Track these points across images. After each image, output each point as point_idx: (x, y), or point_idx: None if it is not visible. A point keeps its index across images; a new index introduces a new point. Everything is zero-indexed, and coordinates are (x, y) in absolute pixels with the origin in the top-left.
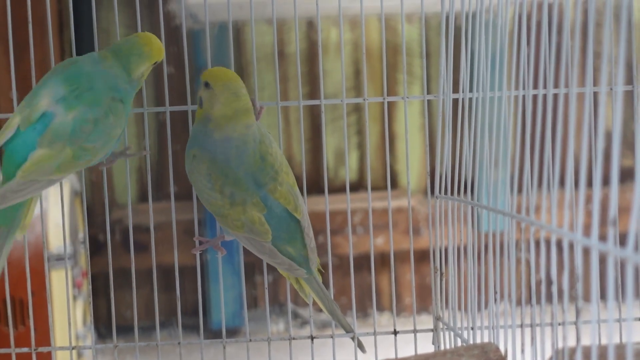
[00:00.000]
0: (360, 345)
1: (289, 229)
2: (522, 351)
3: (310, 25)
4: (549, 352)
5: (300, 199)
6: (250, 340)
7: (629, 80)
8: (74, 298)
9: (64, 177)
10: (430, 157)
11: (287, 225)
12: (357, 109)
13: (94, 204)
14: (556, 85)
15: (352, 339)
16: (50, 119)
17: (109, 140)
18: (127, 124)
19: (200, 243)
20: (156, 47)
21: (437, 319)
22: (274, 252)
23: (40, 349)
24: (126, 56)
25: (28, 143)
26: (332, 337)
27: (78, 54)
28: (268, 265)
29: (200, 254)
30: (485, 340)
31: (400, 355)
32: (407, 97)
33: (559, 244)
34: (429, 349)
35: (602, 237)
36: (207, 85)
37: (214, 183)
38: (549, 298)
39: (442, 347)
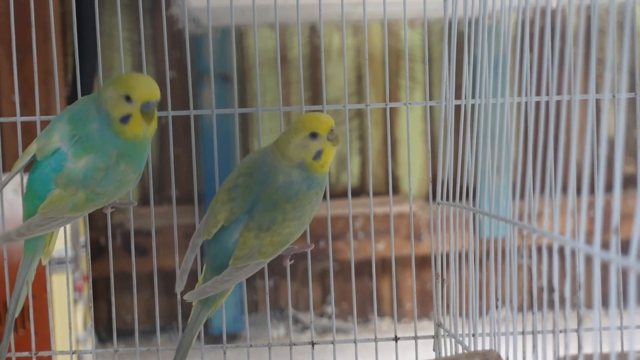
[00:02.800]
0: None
1: (220, 262)
2: (524, 359)
3: (313, 31)
4: None
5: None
6: (251, 345)
7: (632, 87)
8: (75, 302)
9: (82, 215)
10: (432, 163)
11: (221, 259)
12: (359, 114)
13: None
14: (559, 92)
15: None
16: (63, 158)
17: (122, 185)
18: (144, 164)
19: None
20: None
21: (438, 325)
22: (194, 248)
23: (41, 353)
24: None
25: (45, 178)
26: (332, 342)
27: (80, 57)
28: (269, 270)
29: (201, 258)
30: (487, 347)
31: None
32: (410, 103)
33: (561, 251)
34: (430, 355)
35: (605, 244)
36: (314, 135)
37: (236, 179)
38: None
39: (443, 354)
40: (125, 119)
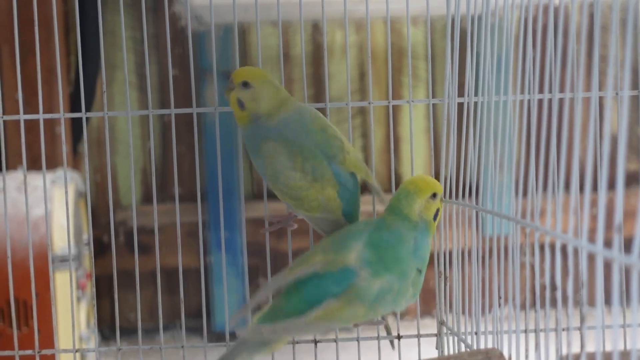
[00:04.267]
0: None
1: (356, 203)
2: (526, 357)
3: (316, 28)
4: (553, 358)
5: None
6: None
7: (635, 84)
8: (78, 300)
9: (340, 326)
10: (435, 161)
11: (354, 200)
12: (362, 112)
13: (99, 206)
14: (562, 90)
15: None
16: (352, 275)
17: (397, 305)
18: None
19: (271, 224)
20: (422, 183)
21: (441, 323)
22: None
23: (44, 351)
24: (398, 207)
25: (322, 287)
26: (335, 341)
27: (83, 56)
28: (272, 267)
29: (204, 256)
30: (489, 345)
31: None
32: (413, 101)
33: (564, 249)
34: (433, 353)
35: (607, 242)
36: (245, 84)
37: (294, 161)
38: (553, 303)
39: (446, 352)
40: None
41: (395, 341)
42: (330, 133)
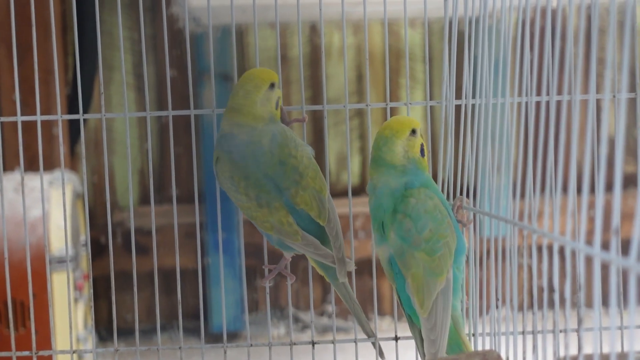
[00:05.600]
0: (381, 353)
1: (318, 232)
2: (524, 359)
3: (313, 30)
4: None
5: (328, 204)
6: (252, 345)
7: (632, 87)
8: (75, 301)
9: (449, 279)
10: (432, 163)
11: (315, 228)
12: (360, 113)
13: (96, 207)
14: (559, 92)
15: (373, 344)
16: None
17: (438, 221)
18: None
19: (269, 271)
20: (395, 124)
21: None
22: (316, 244)
23: (41, 352)
24: (380, 158)
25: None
26: (333, 342)
27: (81, 56)
28: (269, 269)
29: (202, 257)
30: (487, 347)
31: None
32: (410, 103)
33: (561, 252)
34: None
35: (605, 244)
36: (272, 86)
37: (238, 185)
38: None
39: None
40: None
41: (394, 342)
42: (290, 164)
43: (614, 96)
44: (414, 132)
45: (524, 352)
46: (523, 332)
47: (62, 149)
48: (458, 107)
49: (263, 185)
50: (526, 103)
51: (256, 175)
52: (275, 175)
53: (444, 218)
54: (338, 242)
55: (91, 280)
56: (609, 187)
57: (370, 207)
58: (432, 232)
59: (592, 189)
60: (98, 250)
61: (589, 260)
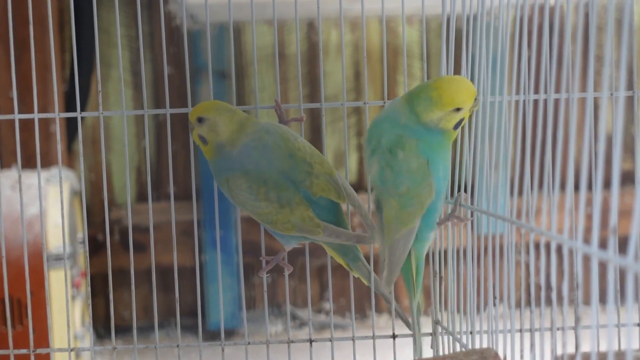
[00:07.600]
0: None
1: (334, 218)
2: (521, 357)
3: (311, 27)
4: (548, 358)
5: (341, 183)
6: (249, 343)
7: (630, 85)
8: (73, 298)
9: (414, 227)
10: None
11: (331, 215)
12: (357, 111)
13: (93, 204)
14: (557, 90)
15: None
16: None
17: (417, 182)
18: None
19: (267, 262)
20: (447, 94)
21: (436, 322)
22: (338, 231)
23: (39, 350)
24: (413, 98)
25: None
26: (331, 340)
27: (78, 53)
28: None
29: (199, 254)
30: (484, 344)
31: (398, 359)
32: None
33: (559, 250)
34: (428, 352)
35: (602, 241)
36: (200, 120)
37: (257, 194)
38: (548, 303)
39: (441, 352)
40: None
41: (391, 340)
42: (298, 157)
43: (611, 94)
44: (458, 109)
45: (522, 350)
46: (520, 330)
47: (59, 147)
48: None
49: (281, 184)
50: (524, 101)
51: (272, 176)
52: (289, 169)
53: (425, 180)
54: (363, 210)
55: (89, 277)
56: (607, 184)
57: (374, 119)
58: (408, 190)
59: (590, 187)
60: (95, 247)
61: (586, 258)
